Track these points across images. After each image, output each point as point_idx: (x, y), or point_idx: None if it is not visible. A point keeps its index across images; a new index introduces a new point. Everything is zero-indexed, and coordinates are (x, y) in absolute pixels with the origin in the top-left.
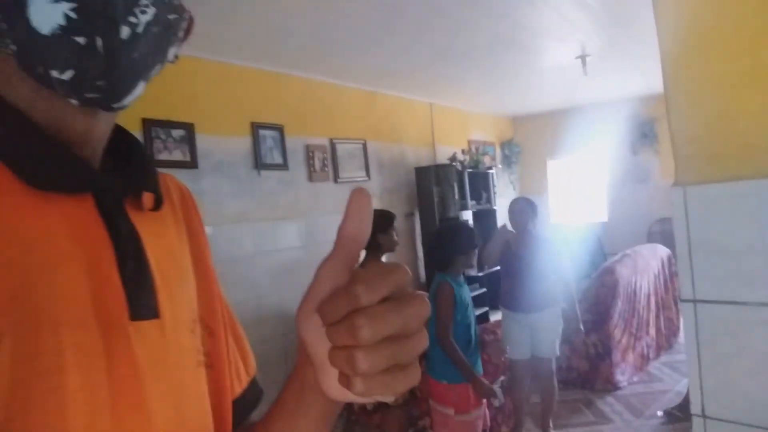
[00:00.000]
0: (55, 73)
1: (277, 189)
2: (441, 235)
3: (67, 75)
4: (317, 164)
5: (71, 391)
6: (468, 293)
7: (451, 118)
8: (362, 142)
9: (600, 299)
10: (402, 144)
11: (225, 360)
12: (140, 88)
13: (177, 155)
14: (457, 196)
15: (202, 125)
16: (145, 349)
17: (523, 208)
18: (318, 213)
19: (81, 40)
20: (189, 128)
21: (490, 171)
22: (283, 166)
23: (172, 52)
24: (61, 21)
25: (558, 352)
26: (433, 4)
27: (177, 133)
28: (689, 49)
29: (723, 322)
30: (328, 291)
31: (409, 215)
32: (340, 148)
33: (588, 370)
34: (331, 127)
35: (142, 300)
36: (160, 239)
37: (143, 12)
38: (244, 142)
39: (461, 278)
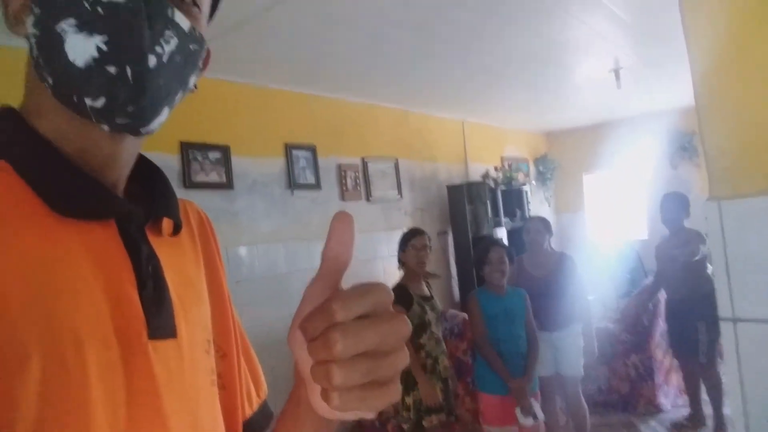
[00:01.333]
0: (89, 101)
1: (310, 208)
2: (475, 251)
3: (100, 102)
4: (349, 183)
5: (95, 405)
6: (505, 307)
7: (484, 135)
8: (394, 160)
9: (640, 318)
10: (434, 162)
11: (237, 382)
12: (165, 114)
13: (213, 177)
14: (490, 214)
15: (237, 147)
16: (162, 366)
17: (539, 228)
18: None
19: (112, 69)
20: (225, 150)
21: (524, 188)
22: (316, 185)
23: (192, 80)
24: (94, 53)
25: (582, 372)
26: (463, 23)
27: (213, 155)
28: (721, 63)
29: (765, 341)
30: (311, 310)
31: (442, 233)
32: (372, 167)
33: (629, 392)
34: (363, 147)
35: (160, 320)
36: (177, 263)
37: (167, 42)
38: (278, 163)
39: (499, 291)
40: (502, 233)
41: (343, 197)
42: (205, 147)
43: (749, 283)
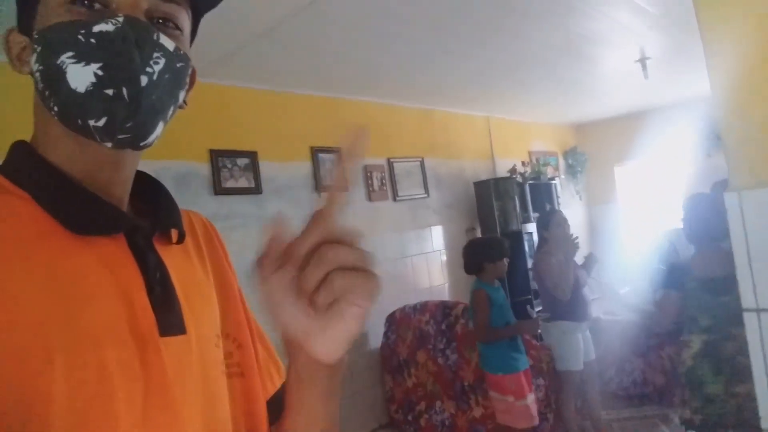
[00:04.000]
0: (92, 122)
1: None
2: (472, 245)
3: (102, 121)
4: (375, 184)
5: (116, 398)
6: (503, 296)
7: (510, 130)
8: (420, 159)
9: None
10: (460, 159)
11: (255, 367)
12: (160, 128)
13: (242, 182)
14: (518, 209)
15: (264, 153)
16: (173, 360)
17: (566, 218)
18: (378, 231)
19: (110, 91)
20: (252, 156)
21: (553, 182)
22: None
23: (182, 95)
24: (92, 79)
25: None
26: (482, 19)
27: (242, 161)
28: (740, 53)
29: None
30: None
31: (470, 230)
32: (398, 167)
33: (664, 385)
34: (388, 147)
35: (169, 319)
36: (184, 268)
37: (156, 63)
38: (305, 167)
39: (496, 283)
40: (531, 228)
41: (369, 198)
42: (233, 154)
43: None
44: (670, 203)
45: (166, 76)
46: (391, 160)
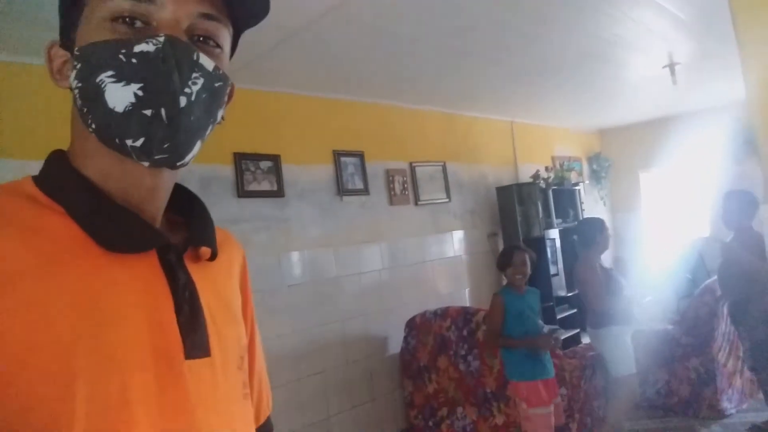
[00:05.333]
0: (129, 141)
1: (359, 213)
2: (500, 255)
3: (139, 142)
4: (397, 188)
5: (136, 423)
6: (527, 304)
7: (533, 135)
8: (441, 164)
9: (701, 320)
10: (482, 164)
11: (252, 394)
12: (197, 147)
13: (265, 185)
14: (541, 215)
15: (287, 156)
16: (197, 383)
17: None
18: (399, 235)
19: (148, 112)
20: (275, 159)
21: (577, 187)
22: (364, 191)
23: (220, 113)
24: (132, 99)
25: None
26: (507, 25)
27: (265, 164)
28: None
29: None
30: None
31: (492, 236)
32: (420, 171)
33: (689, 396)
34: (410, 151)
35: (195, 341)
36: (213, 287)
37: (195, 83)
38: (327, 170)
39: (520, 290)
40: (554, 234)
41: (391, 202)
42: (256, 157)
43: None
44: (696, 211)
45: (204, 95)
46: (413, 164)
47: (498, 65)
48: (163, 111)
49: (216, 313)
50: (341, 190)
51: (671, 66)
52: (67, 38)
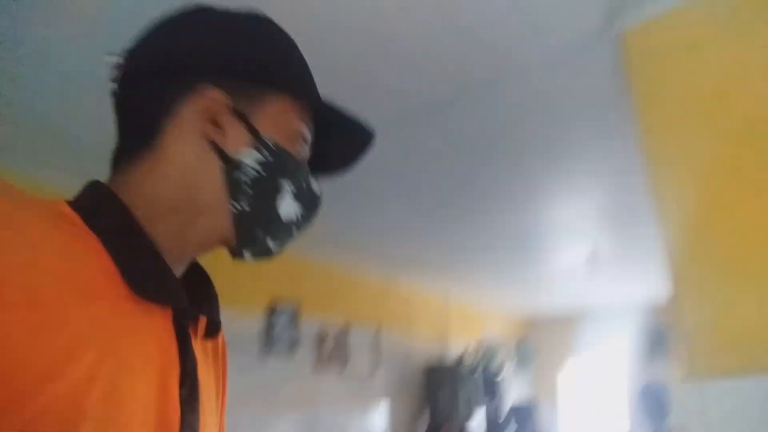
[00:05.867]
0: (269, 242)
1: (283, 376)
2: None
3: (273, 245)
4: (326, 352)
5: None
6: None
7: (465, 315)
8: (373, 332)
9: None
10: (414, 338)
11: None
12: None
13: None
14: (467, 397)
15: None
16: None
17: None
18: (321, 405)
19: (294, 231)
20: None
21: (501, 373)
22: (292, 351)
23: None
24: (294, 218)
25: None
26: (449, 199)
27: None
28: (694, 241)
29: None
30: None
31: (416, 415)
32: (353, 337)
33: None
34: (344, 313)
35: (189, 420)
36: (206, 367)
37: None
38: (257, 323)
39: None
40: (479, 416)
41: (317, 368)
42: None
43: None
44: (617, 405)
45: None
46: (345, 327)
47: (437, 238)
48: (297, 235)
49: (205, 395)
50: (269, 345)
51: (593, 260)
52: (235, 97)
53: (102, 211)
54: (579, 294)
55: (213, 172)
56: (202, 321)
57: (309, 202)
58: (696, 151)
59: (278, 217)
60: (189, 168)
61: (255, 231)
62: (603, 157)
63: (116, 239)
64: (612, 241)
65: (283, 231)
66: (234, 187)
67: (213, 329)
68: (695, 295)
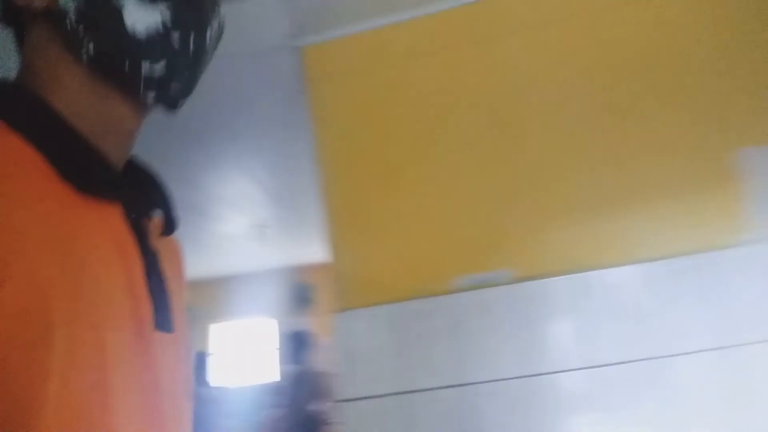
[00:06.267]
0: (145, 66)
1: None
2: None
3: (160, 65)
4: None
5: (111, 387)
6: None
7: None
8: None
9: None
10: None
11: None
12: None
13: None
14: None
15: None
16: (162, 358)
17: None
18: None
19: (176, 36)
20: None
21: None
22: None
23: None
24: (159, 21)
25: None
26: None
27: None
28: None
29: (366, 414)
30: None
31: None
32: None
33: None
34: None
35: (161, 313)
36: (170, 266)
37: (211, 26)
38: None
39: None
40: None
41: None
42: None
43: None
44: (268, 358)
45: (214, 44)
46: None
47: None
48: (191, 38)
49: (172, 290)
50: None
51: (259, 227)
52: None
53: (22, 110)
54: (241, 259)
55: (44, 37)
56: (158, 218)
57: None
58: (349, 149)
59: (130, 33)
60: (40, 44)
61: (122, 69)
62: (278, 144)
63: (45, 136)
64: (277, 214)
65: (157, 45)
66: (70, 40)
67: (171, 225)
68: (345, 252)
